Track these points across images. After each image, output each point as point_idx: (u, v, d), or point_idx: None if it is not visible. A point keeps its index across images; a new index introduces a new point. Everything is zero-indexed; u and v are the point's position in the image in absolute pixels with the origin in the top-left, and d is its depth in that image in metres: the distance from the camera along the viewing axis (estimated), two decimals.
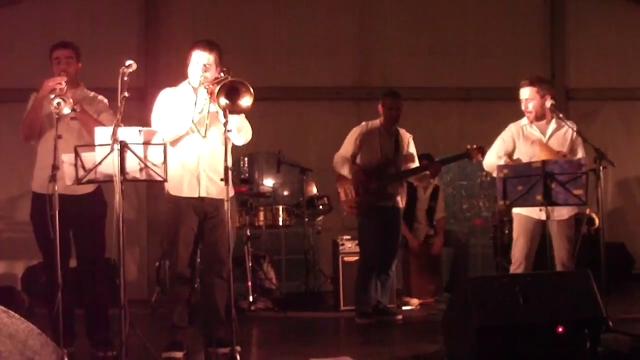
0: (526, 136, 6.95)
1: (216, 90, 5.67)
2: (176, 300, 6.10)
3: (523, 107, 6.93)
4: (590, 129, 9.28)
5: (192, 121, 5.90)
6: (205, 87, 5.91)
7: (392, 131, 7.99)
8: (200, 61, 5.98)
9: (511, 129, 7.04)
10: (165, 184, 5.96)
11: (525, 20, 11.19)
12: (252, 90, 5.66)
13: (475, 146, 7.68)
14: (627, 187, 10.96)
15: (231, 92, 5.66)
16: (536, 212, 6.69)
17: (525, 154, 6.87)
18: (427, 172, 8.00)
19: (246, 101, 5.68)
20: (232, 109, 5.67)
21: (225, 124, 5.61)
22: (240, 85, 5.67)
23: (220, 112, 5.69)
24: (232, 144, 6.04)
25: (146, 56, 10.09)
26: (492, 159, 7.03)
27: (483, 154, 7.51)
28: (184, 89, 6.11)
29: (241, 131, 6.00)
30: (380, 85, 9.22)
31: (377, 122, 8.01)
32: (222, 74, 5.91)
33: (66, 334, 5.55)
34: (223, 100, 5.64)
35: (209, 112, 5.90)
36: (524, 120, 7.01)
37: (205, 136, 5.92)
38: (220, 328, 6.12)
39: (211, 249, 6.12)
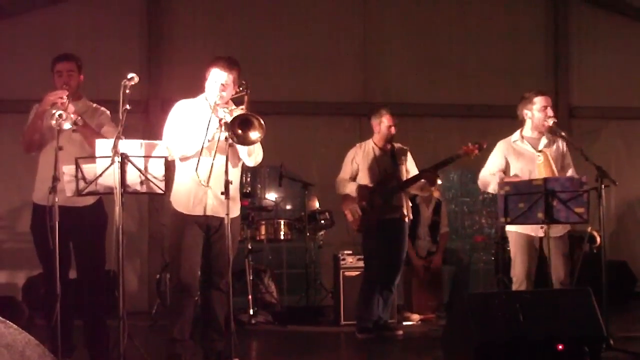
0: (519, 152, 6.95)
1: (229, 120, 5.68)
2: (178, 313, 6.05)
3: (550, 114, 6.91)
4: (592, 147, 9.30)
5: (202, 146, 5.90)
6: (217, 115, 5.89)
7: (387, 147, 7.99)
8: (219, 80, 5.97)
9: (500, 147, 7.04)
10: (171, 199, 6.02)
11: (529, 38, 11.23)
12: (264, 125, 5.67)
13: (470, 144, 7.61)
14: (629, 205, 10.95)
15: (244, 122, 5.67)
16: (531, 229, 6.68)
17: (520, 170, 6.86)
18: (424, 181, 7.92)
19: (255, 135, 5.68)
20: (241, 139, 5.68)
21: (226, 138, 5.67)
22: (254, 119, 5.68)
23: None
24: (242, 163, 6.08)
25: (149, 69, 10.12)
26: (485, 175, 7.01)
27: (480, 149, 7.50)
28: (200, 104, 6.09)
29: (252, 155, 6.03)
30: (382, 102, 9.22)
31: (370, 141, 8.04)
32: (240, 88, 5.97)
33: (65, 345, 5.57)
34: (234, 130, 5.64)
35: (219, 139, 5.87)
36: (515, 136, 7.01)
37: (213, 158, 5.91)
38: (219, 341, 6.10)
39: (211, 262, 6.10)
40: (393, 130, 7.92)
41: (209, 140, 5.87)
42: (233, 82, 6.01)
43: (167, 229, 6.34)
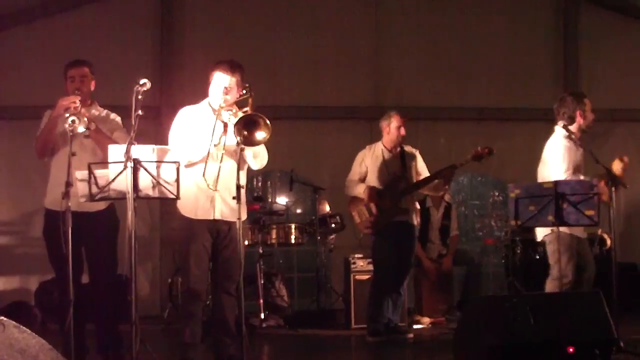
0: (578, 151, 6.80)
1: (235, 121, 5.67)
2: (189, 317, 6.06)
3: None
4: (602, 150, 9.25)
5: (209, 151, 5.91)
6: (222, 119, 5.90)
7: (397, 149, 8.00)
8: (222, 84, 5.96)
9: (570, 146, 6.75)
10: (178, 205, 6.00)
11: (539, 41, 11.23)
12: (269, 125, 5.63)
13: (480, 148, 7.60)
14: (639, 207, 10.92)
15: (249, 123, 5.66)
16: (579, 230, 6.64)
17: (578, 169, 6.74)
18: (441, 180, 7.85)
19: (261, 135, 5.65)
20: (247, 141, 5.67)
21: (238, 143, 5.65)
22: (260, 118, 5.66)
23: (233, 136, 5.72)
24: (248, 166, 6.07)
25: (161, 75, 10.16)
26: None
27: (490, 153, 7.48)
28: (204, 109, 6.11)
29: (257, 157, 6.02)
30: (394, 105, 9.21)
31: (379, 144, 8.04)
32: (244, 91, 5.95)
33: (78, 349, 5.60)
34: (240, 132, 5.64)
35: (225, 144, 5.86)
36: (569, 135, 6.80)
37: (221, 161, 5.91)
38: (231, 344, 6.09)
39: (222, 267, 6.11)
40: (402, 131, 7.90)
41: (215, 145, 5.87)
42: (237, 85, 5.99)
43: (175, 234, 6.32)
